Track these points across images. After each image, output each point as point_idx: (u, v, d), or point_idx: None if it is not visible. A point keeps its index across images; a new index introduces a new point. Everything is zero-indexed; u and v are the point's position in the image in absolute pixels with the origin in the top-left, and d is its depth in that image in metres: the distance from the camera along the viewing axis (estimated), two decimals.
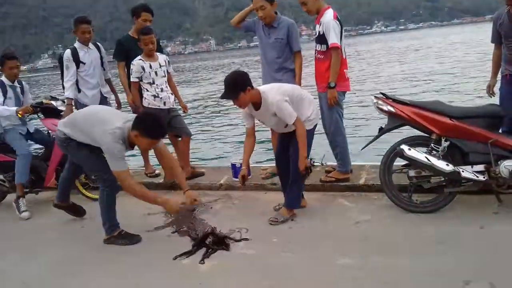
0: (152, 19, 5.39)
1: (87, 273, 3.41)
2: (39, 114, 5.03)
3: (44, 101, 5.03)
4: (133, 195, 3.68)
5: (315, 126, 4.05)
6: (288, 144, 4.00)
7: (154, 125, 3.56)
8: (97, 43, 5.45)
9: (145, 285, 3.15)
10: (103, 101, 5.36)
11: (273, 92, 3.75)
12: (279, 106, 3.67)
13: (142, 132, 3.52)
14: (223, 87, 3.75)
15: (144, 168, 5.80)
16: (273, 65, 4.84)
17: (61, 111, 5.02)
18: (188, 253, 3.53)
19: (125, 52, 5.25)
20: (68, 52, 5.14)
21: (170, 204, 3.71)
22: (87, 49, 5.21)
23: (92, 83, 5.25)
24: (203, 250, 3.55)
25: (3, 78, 4.95)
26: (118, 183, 3.73)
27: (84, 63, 5.14)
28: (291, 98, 3.79)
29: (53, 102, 5.03)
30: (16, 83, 4.99)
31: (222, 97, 3.74)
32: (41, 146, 5.38)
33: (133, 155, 6.42)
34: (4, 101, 4.81)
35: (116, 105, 5.74)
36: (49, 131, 5.11)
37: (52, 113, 5.00)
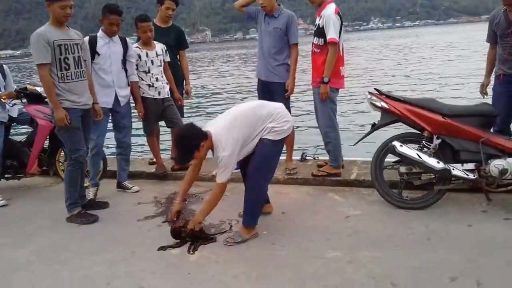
0: (176, 8, 5.32)
1: (77, 261, 3.40)
2: (22, 100, 4.92)
3: (28, 86, 4.92)
4: (42, 84, 3.95)
5: (284, 138, 3.57)
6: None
7: None
8: (126, 38, 4.82)
9: (134, 274, 3.15)
10: (117, 105, 4.67)
11: (225, 141, 3.27)
12: (225, 163, 3.30)
13: None
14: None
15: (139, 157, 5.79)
16: (269, 55, 4.83)
17: (45, 97, 4.75)
18: (175, 246, 3.52)
19: None
20: (85, 40, 4.38)
21: (58, 111, 3.91)
22: (109, 40, 4.58)
23: (106, 80, 4.57)
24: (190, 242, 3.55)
25: None
26: (83, 165, 4.23)
27: (98, 54, 4.51)
28: (247, 127, 3.38)
29: (38, 88, 4.88)
30: None
31: (179, 162, 3.61)
32: (25, 133, 5.28)
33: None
34: None
35: (138, 113, 5.02)
36: (32, 117, 5.01)
37: (36, 99, 4.90)
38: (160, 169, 5.32)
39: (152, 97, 4.97)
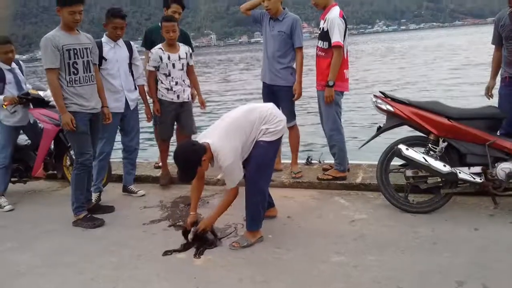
0: (182, 12, 5.30)
1: (82, 264, 3.41)
2: (25, 105, 4.84)
3: (30, 91, 4.92)
4: (50, 89, 4.02)
5: (280, 138, 3.59)
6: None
7: None
8: (130, 41, 4.85)
9: (139, 278, 3.15)
10: (126, 108, 4.71)
11: (225, 150, 3.27)
12: (229, 171, 3.33)
13: (58, 2, 3.85)
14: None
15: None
16: (273, 58, 4.83)
17: (49, 101, 4.75)
18: (180, 250, 3.52)
19: (150, 42, 5.13)
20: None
21: (64, 115, 3.93)
22: (114, 44, 4.59)
23: (115, 85, 4.58)
24: (196, 245, 3.54)
25: None
26: (90, 169, 4.23)
27: (106, 60, 4.52)
28: (242, 134, 3.38)
29: (40, 93, 4.87)
30: (13, 65, 4.88)
31: (183, 181, 3.49)
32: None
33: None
34: (3, 87, 4.74)
35: (147, 116, 5.08)
36: (37, 121, 5.02)
37: (40, 103, 4.87)
38: (164, 179, 5.20)
39: (171, 100, 4.87)
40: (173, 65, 4.80)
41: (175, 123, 5.13)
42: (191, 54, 5.00)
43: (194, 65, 5.14)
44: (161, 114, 4.94)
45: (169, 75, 4.82)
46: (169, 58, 4.77)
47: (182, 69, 4.87)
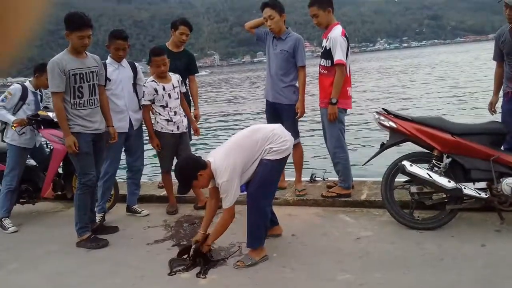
0: (190, 34, 5.32)
1: (86, 285, 3.39)
2: (34, 126, 4.88)
3: (40, 112, 4.96)
4: (54, 111, 4.10)
5: (284, 158, 3.57)
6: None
7: (72, 16, 3.88)
8: (135, 62, 4.94)
9: None
10: (130, 128, 4.74)
11: (222, 168, 3.33)
12: (225, 189, 3.36)
13: (67, 27, 3.86)
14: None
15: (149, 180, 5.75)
16: (276, 76, 4.86)
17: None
18: (184, 270, 3.49)
19: None
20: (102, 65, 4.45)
21: (68, 138, 3.96)
22: (118, 65, 4.65)
23: (119, 105, 4.61)
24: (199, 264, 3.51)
25: (27, 84, 4.98)
26: (93, 189, 4.23)
27: (109, 80, 4.53)
28: (244, 153, 3.42)
29: (50, 114, 4.86)
30: (37, 90, 5.03)
31: (180, 192, 3.80)
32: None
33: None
34: (21, 106, 4.86)
35: (155, 147, 4.88)
36: (47, 142, 5.05)
37: (50, 123, 4.88)
38: (171, 207, 5.06)
39: (171, 132, 4.79)
40: (169, 95, 4.74)
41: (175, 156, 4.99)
42: (182, 81, 4.96)
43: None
44: (162, 148, 4.85)
45: (167, 106, 4.74)
46: (164, 89, 4.72)
47: (178, 97, 4.83)
